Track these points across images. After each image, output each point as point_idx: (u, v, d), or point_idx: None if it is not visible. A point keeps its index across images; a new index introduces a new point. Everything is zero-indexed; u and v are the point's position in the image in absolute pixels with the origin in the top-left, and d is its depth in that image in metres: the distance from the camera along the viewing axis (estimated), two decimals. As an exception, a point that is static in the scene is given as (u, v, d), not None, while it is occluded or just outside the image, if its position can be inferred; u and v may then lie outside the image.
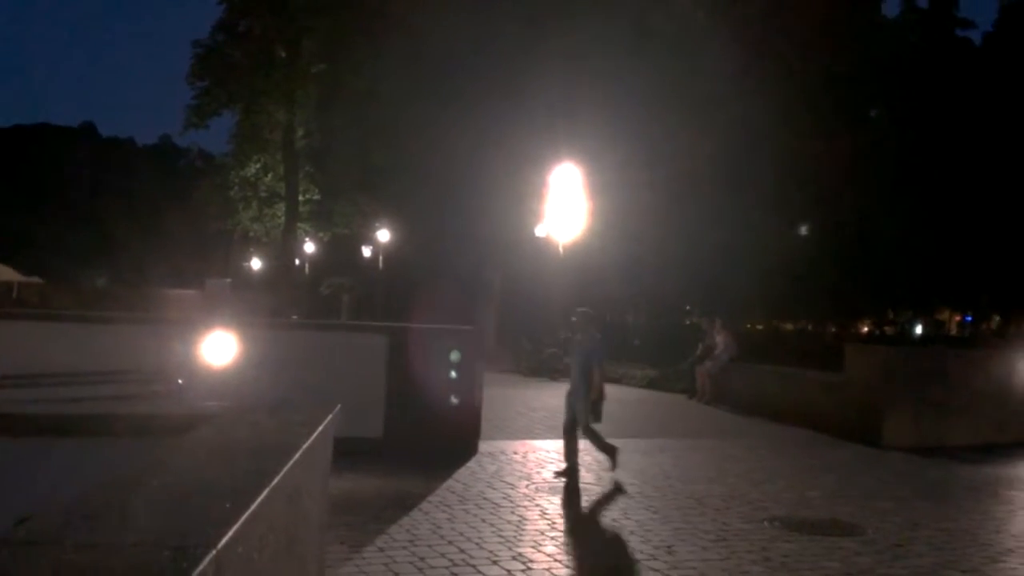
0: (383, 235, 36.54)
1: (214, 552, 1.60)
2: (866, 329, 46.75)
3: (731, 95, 21.17)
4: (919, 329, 49.63)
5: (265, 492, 2.14)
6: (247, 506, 1.94)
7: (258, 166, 44.25)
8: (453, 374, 10.47)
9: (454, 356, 10.48)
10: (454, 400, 10.44)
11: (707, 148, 20.83)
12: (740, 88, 21.08)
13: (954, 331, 49.92)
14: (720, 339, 18.14)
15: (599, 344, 9.55)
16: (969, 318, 47.26)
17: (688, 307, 27.51)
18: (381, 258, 37.66)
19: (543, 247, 24.33)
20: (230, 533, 1.73)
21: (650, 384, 20.23)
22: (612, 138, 21.74)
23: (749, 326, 27.06)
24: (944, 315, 50.87)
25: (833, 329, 27.65)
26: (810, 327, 30.58)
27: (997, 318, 45.56)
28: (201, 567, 1.51)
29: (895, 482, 9.92)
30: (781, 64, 20.55)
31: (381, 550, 6.23)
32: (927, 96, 28.67)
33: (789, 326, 30.81)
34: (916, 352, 20.60)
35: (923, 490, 9.56)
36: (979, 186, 30.62)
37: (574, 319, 9.92)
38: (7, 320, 7.67)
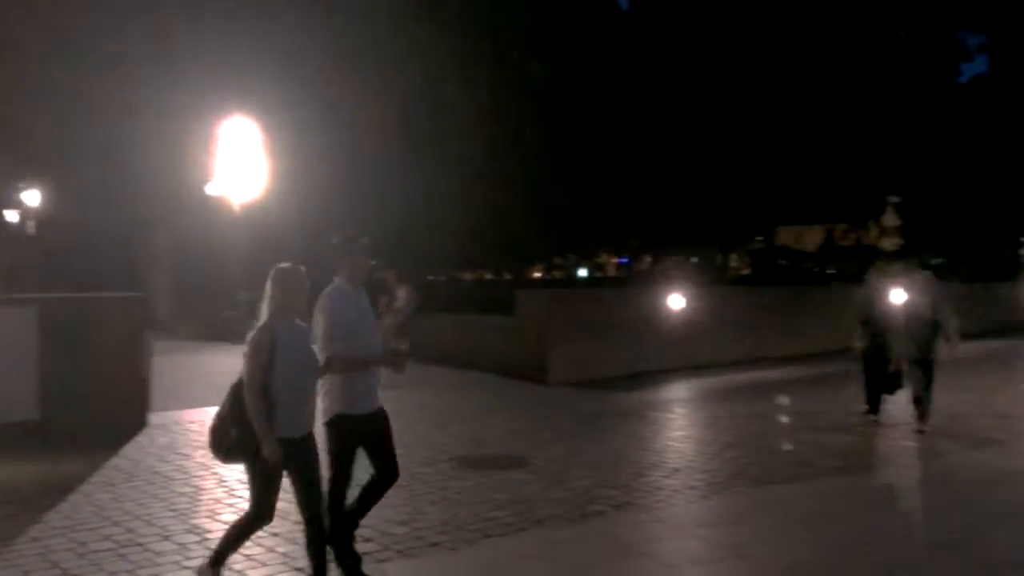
0: (30, 197, 32.76)
1: None
2: (538, 274, 50.03)
3: (407, 56, 21.42)
4: (583, 272, 54.07)
5: None
6: None
7: None
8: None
9: None
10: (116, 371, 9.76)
11: (388, 109, 20.98)
12: (416, 50, 21.39)
13: (613, 272, 54.76)
14: (401, 292, 18.52)
15: None
16: (625, 260, 52.05)
17: (375, 263, 27.76)
18: (33, 224, 33.79)
19: (216, 206, 23.12)
20: None
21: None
22: (290, 99, 21.20)
23: (431, 278, 27.82)
24: (603, 258, 55.60)
25: (508, 276, 29.31)
26: (488, 276, 32.10)
27: (648, 259, 50.59)
28: None
29: (558, 415, 10.81)
30: (446, 25, 21.13)
31: (36, 540, 5.74)
32: (586, 57, 30.79)
33: (467, 275, 32.11)
34: (576, 294, 22.42)
35: (582, 420, 10.53)
36: (624, 140, 33.83)
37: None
38: None
